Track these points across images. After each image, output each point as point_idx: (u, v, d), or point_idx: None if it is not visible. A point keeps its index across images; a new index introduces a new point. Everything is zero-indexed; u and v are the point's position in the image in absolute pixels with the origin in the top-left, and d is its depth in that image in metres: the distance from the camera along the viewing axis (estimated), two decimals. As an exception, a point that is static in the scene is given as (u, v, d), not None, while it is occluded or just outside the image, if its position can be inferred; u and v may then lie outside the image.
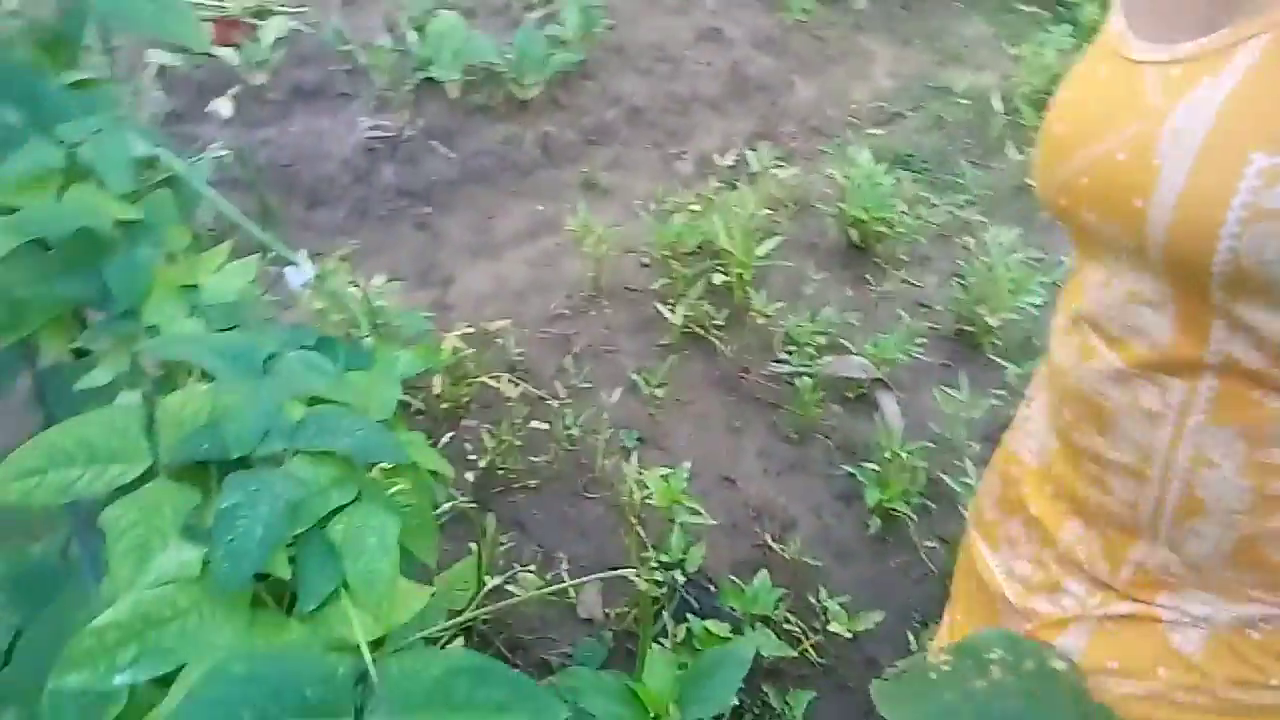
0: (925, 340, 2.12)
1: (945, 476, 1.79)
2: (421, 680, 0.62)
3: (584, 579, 1.56)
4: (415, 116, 2.68)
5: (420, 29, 2.64)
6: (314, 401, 0.75)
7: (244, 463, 0.70)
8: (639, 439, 1.95)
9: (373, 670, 0.60)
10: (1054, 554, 0.75)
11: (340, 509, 0.67)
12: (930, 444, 1.83)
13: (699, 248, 2.28)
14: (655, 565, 1.60)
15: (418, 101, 2.70)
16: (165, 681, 0.61)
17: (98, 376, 0.82)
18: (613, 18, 3.21)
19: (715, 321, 2.11)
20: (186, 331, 0.79)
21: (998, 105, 2.92)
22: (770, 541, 1.77)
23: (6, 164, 0.83)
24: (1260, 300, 0.56)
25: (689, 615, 1.57)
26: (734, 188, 2.36)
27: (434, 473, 0.76)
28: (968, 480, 1.69)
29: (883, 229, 2.31)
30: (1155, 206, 0.57)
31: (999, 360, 2.08)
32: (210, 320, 0.83)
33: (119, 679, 0.57)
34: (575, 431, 1.90)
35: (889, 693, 0.66)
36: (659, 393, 1.99)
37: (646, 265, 2.41)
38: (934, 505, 1.81)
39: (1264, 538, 0.62)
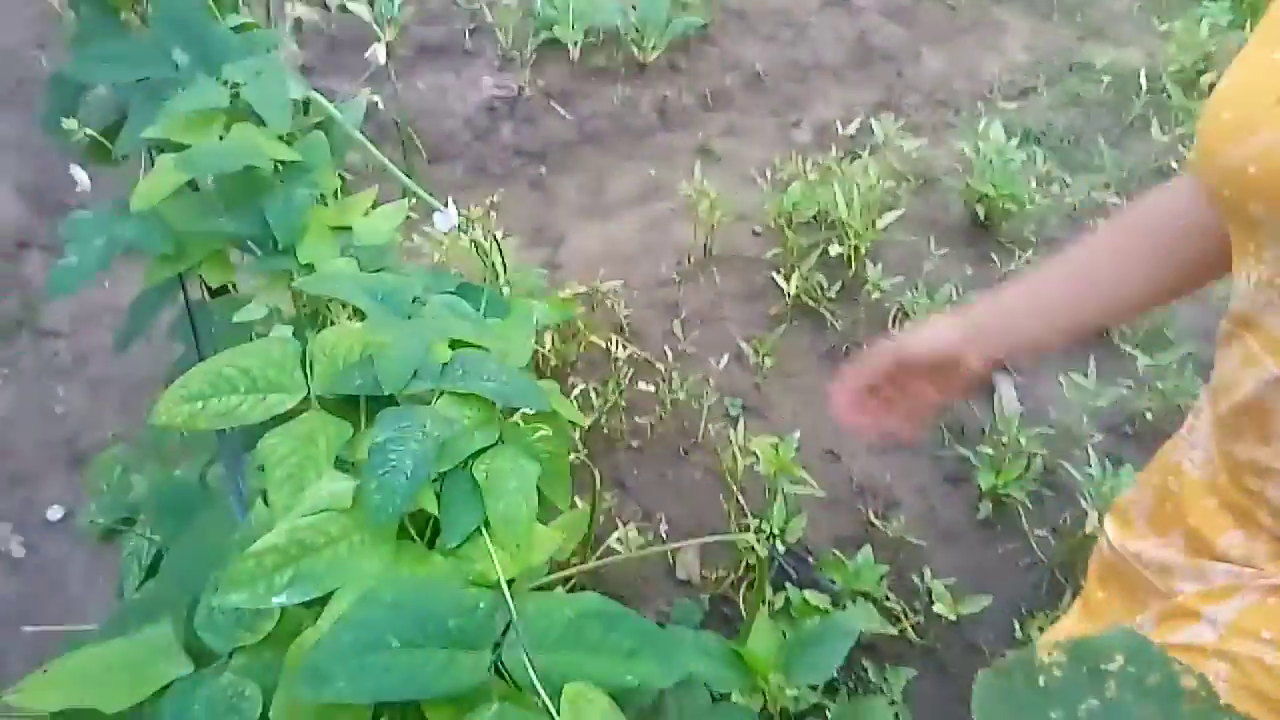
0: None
1: (1065, 465, 1.72)
2: (556, 620, 0.63)
3: (688, 542, 1.57)
4: (536, 76, 2.70)
5: (546, -12, 2.65)
6: (456, 344, 0.77)
7: (391, 400, 0.73)
8: (743, 407, 1.94)
9: (512, 607, 0.62)
10: (1210, 558, 0.72)
11: (483, 450, 0.69)
12: (1049, 430, 1.76)
13: (815, 218, 2.23)
14: (755, 533, 1.60)
15: (539, 62, 2.72)
16: (312, 604, 0.64)
17: (253, 310, 0.86)
18: (737, -19, 3.15)
19: (828, 294, 2.07)
20: (340, 271, 0.82)
21: (1143, 84, 2.75)
22: (873, 518, 1.75)
23: (177, 101, 0.88)
24: None
25: (787, 585, 1.57)
26: (856, 158, 2.30)
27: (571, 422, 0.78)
28: (1090, 470, 1.62)
29: (1011, 207, 2.21)
30: None
31: (1129, 350, 1.98)
32: (360, 261, 0.85)
33: (276, 600, 0.60)
34: (681, 395, 1.90)
35: (988, 694, 0.62)
36: (767, 362, 1.97)
37: (758, 234, 2.38)
38: (1049, 494, 1.74)
39: None
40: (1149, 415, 1.88)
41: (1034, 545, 1.71)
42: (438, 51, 2.77)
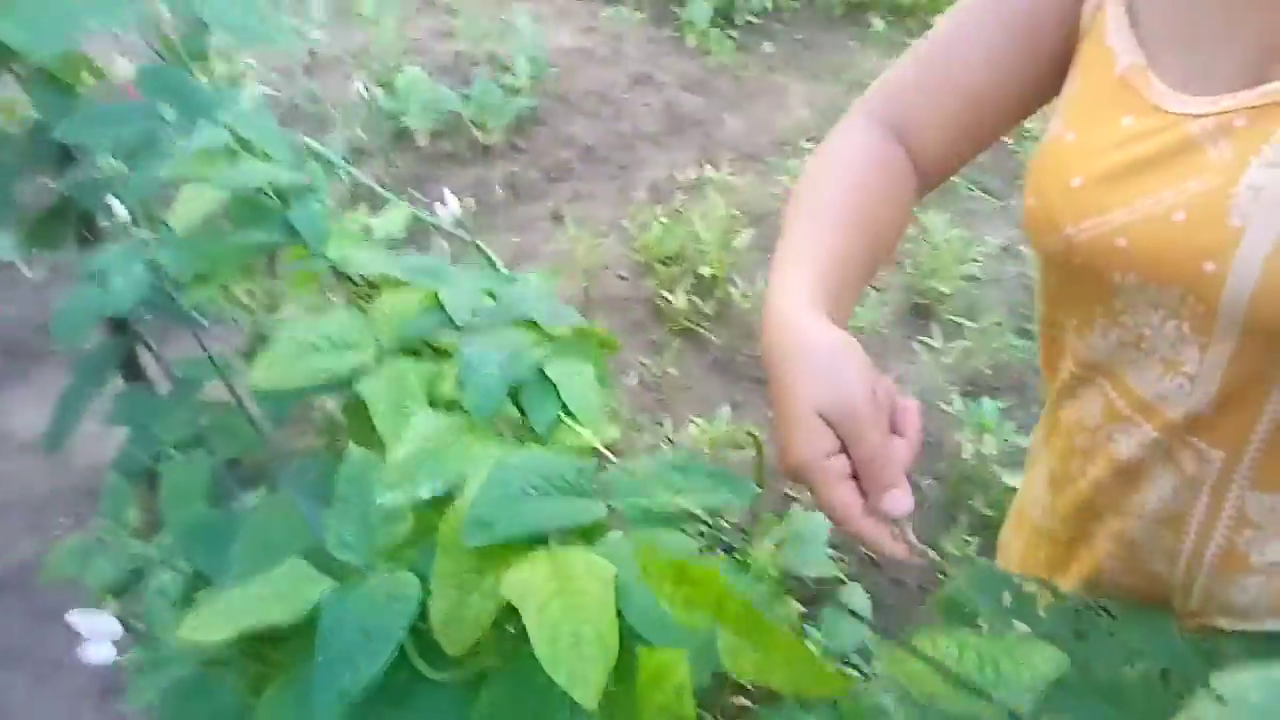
0: (890, 315, 2.37)
1: (938, 405, 2.02)
2: (644, 471, 0.78)
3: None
4: (389, 166, 2.85)
5: (385, 85, 2.83)
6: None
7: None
8: (658, 422, 2.12)
9: (610, 460, 0.77)
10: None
11: (545, 360, 0.84)
12: (913, 387, 2.06)
13: (673, 255, 2.50)
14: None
15: (390, 152, 2.88)
16: (436, 503, 0.75)
17: (290, 310, 0.96)
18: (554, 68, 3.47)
19: (704, 312, 2.32)
20: (373, 256, 0.95)
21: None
22: (789, 492, 1.96)
23: (188, 142, 0.99)
24: None
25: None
26: (698, 201, 2.60)
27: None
28: (950, 411, 1.92)
29: (834, 223, 2.57)
30: (1237, 270, 0.52)
31: (955, 319, 2.34)
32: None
33: (424, 491, 0.71)
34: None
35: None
36: (672, 371, 2.17)
37: (624, 278, 2.61)
38: (930, 440, 2.03)
39: None
40: (987, 371, 2.24)
41: (923, 490, 1.98)
42: (288, 155, 2.87)
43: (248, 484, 1.16)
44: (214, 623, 0.69)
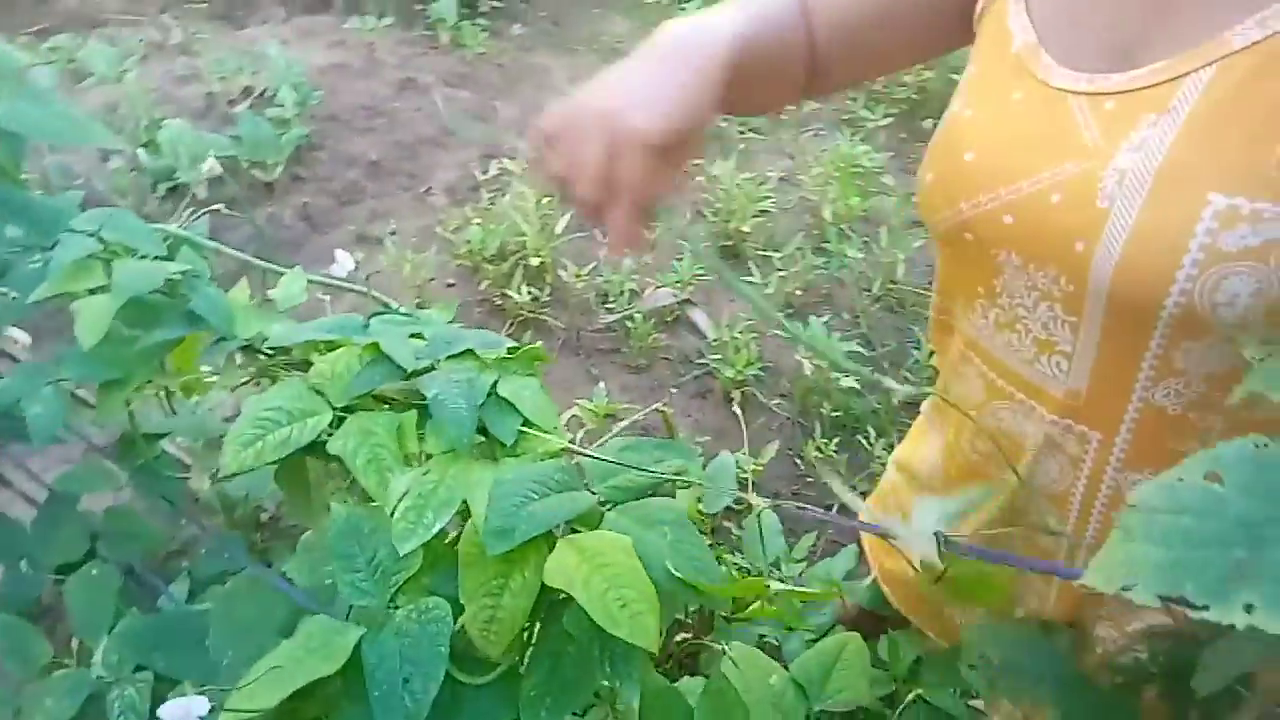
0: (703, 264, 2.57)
1: (776, 335, 2.23)
2: (609, 454, 0.89)
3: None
4: (170, 224, 2.69)
5: (148, 144, 2.66)
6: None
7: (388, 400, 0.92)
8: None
9: (585, 454, 0.87)
10: None
11: (495, 383, 0.92)
12: (748, 320, 2.27)
13: (500, 249, 2.56)
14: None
15: (169, 211, 2.72)
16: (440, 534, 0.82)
17: (216, 396, 0.98)
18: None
19: (541, 300, 2.41)
20: (291, 327, 0.98)
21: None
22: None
23: (56, 258, 0.97)
24: (1203, 340, 0.55)
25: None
26: (501, 195, 2.67)
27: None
28: (783, 335, 2.14)
29: (635, 189, 2.72)
30: (1101, 251, 0.55)
31: (763, 253, 2.57)
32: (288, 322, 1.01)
33: (436, 527, 0.77)
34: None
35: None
36: (529, 365, 2.26)
37: (452, 285, 2.65)
38: (771, 365, 2.25)
39: None
40: (799, 293, 2.48)
41: (775, 410, 2.20)
42: (54, 238, 2.64)
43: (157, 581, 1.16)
44: (263, 690, 0.73)
